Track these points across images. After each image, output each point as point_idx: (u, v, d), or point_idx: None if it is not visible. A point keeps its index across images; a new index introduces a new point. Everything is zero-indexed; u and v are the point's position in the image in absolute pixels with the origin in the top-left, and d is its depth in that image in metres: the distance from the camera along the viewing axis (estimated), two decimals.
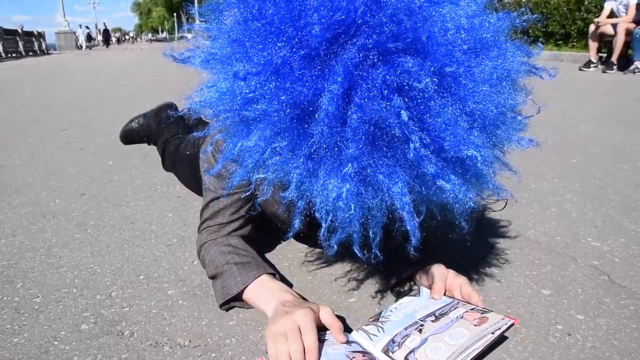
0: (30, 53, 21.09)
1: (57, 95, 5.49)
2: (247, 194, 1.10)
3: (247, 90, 0.73)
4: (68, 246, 1.45)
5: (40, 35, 23.29)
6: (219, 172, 1.13)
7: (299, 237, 1.42)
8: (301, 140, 0.72)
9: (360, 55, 0.68)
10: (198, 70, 0.84)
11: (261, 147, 0.75)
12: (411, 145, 0.68)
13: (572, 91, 4.60)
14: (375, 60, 0.68)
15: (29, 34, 22.22)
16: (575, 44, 8.95)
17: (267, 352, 0.88)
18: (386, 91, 0.67)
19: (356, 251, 0.79)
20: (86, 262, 1.34)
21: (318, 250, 1.36)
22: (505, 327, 0.90)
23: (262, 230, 1.26)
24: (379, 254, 0.79)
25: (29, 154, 2.65)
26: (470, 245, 1.37)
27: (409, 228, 0.74)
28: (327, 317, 0.93)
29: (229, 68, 0.76)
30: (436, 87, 0.69)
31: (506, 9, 0.83)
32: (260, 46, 0.73)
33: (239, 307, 1.08)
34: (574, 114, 3.54)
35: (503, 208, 1.59)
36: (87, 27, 31.12)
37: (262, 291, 1.04)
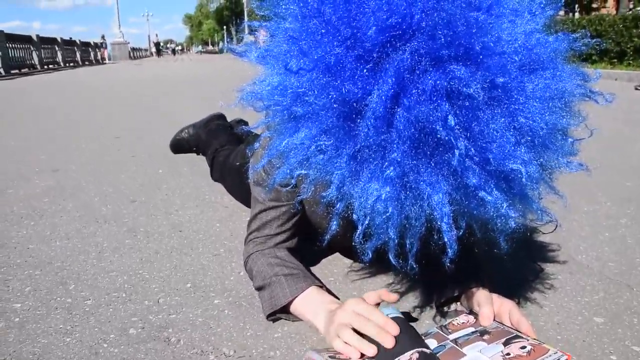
0: (87, 62, 22.03)
1: (110, 103, 5.68)
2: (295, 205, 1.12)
3: (298, 85, 0.74)
4: (118, 251, 1.49)
5: (97, 46, 24.34)
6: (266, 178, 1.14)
7: (343, 251, 1.42)
8: (346, 140, 0.73)
9: (413, 59, 0.68)
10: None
11: (306, 144, 0.76)
12: (456, 152, 0.67)
13: (626, 111, 4.45)
14: (427, 66, 0.68)
15: (86, 44, 23.27)
16: (631, 62, 8.68)
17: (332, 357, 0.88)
18: (435, 96, 0.66)
19: (391, 259, 0.79)
20: (135, 267, 1.38)
21: (362, 265, 1.36)
22: None
23: (306, 240, 1.26)
24: (414, 265, 0.78)
25: (83, 159, 2.75)
26: (518, 268, 1.34)
27: (446, 240, 0.73)
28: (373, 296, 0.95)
29: (283, 63, 0.77)
30: (486, 98, 0.68)
31: (563, 29, 0.81)
32: (315, 44, 0.74)
33: (284, 319, 1.08)
34: (628, 134, 3.43)
35: (553, 231, 1.54)
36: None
37: (310, 302, 1.04)
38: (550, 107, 0.74)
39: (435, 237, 0.75)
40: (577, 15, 22.73)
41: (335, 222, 0.84)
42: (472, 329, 0.95)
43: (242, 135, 2.34)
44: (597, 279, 1.30)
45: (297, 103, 0.76)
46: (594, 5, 27.78)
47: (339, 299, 1.18)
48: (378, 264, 1.33)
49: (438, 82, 0.66)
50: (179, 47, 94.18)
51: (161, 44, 60.03)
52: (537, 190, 0.79)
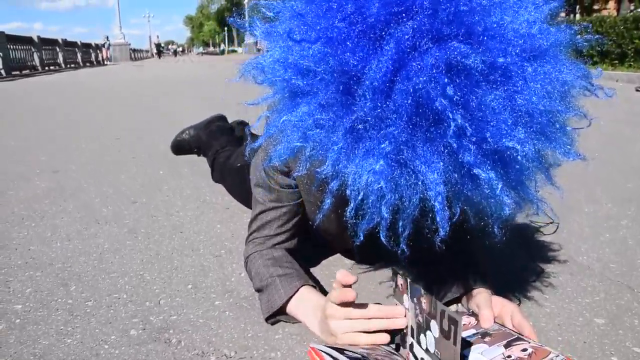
0: (87, 64, 22.09)
1: (110, 103, 5.68)
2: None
3: (299, 58, 0.74)
4: (119, 252, 1.49)
5: (97, 47, 24.48)
6: (268, 185, 1.15)
7: (344, 252, 1.43)
8: (344, 114, 0.73)
9: (415, 36, 0.68)
10: (250, 84, 0.86)
11: (305, 120, 0.76)
12: (452, 125, 0.67)
13: (627, 112, 4.45)
14: (428, 42, 0.68)
15: (87, 45, 23.37)
16: (632, 63, 8.68)
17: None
18: (434, 69, 0.67)
19: (382, 239, 0.79)
20: (136, 268, 1.38)
21: (364, 266, 1.36)
22: None
23: (306, 240, 1.27)
24: (405, 249, 0.78)
25: (84, 160, 2.75)
26: (519, 269, 1.34)
27: (438, 220, 0.73)
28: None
29: (287, 34, 0.78)
30: (485, 77, 0.68)
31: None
32: (319, 18, 0.74)
33: (284, 321, 1.09)
34: (629, 135, 3.43)
35: (554, 232, 1.55)
36: None
37: (302, 303, 1.05)
38: (549, 93, 0.73)
39: (429, 222, 0.75)
40: (577, 16, 22.73)
41: (328, 201, 0.83)
42: (474, 331, 0.95)
43: (242, 136, 2.35)
44: (598, 280, 1.30)
45: (298, 76, 0.76)
46: (595, 7, 27.77)
47: None
48: (378, 265, 1.34)
49: (438, 55, 0.67)
50: (180, 49, 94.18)
51: (162, 45, 60.10)
52: (533, 178, 0.79)
